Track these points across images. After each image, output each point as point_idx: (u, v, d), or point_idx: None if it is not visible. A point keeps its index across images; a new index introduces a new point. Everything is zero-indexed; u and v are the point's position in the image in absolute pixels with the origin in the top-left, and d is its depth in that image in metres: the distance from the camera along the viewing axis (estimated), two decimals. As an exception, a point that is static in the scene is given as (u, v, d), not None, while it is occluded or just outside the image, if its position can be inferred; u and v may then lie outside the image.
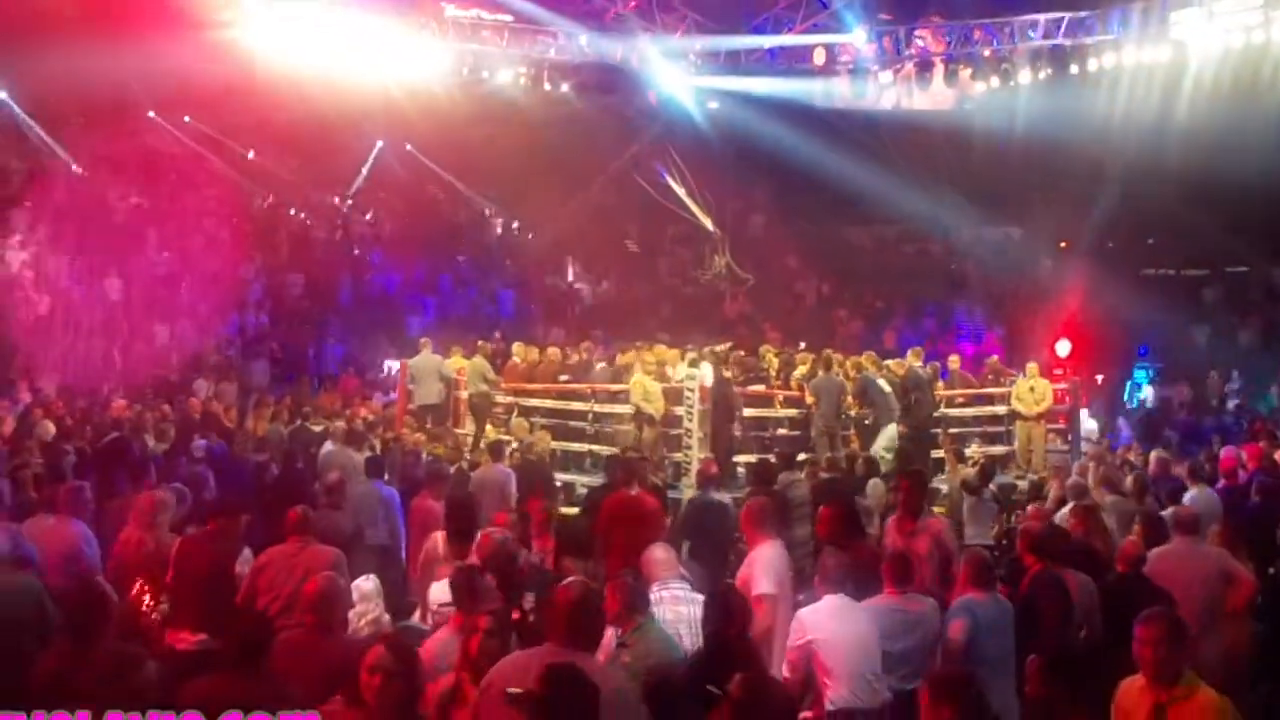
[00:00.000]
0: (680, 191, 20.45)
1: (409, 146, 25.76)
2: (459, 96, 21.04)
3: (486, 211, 26.88)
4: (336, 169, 25.65)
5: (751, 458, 13.60)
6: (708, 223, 21.31)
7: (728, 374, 13.84)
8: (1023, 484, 13.46)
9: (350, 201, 26.25)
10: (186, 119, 23.40)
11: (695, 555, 8.72)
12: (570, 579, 5.44)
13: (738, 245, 22.85)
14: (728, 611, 5.54)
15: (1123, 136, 19.17)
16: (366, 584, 6.68)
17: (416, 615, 7.70)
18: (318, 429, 13.74)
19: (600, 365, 15.43)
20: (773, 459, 11.79)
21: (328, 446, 12.22)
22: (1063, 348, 19.76)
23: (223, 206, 23.45)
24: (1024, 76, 19.51)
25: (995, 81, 19.78)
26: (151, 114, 23.09)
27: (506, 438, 13.21)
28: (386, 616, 6.80)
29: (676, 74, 20.84)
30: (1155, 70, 18.52)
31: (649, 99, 21.29)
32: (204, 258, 21.33)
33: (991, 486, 11.80)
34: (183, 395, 16.20)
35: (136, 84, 20.60)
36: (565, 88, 20.91)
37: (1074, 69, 19.14)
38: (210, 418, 14.09)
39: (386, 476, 10.61)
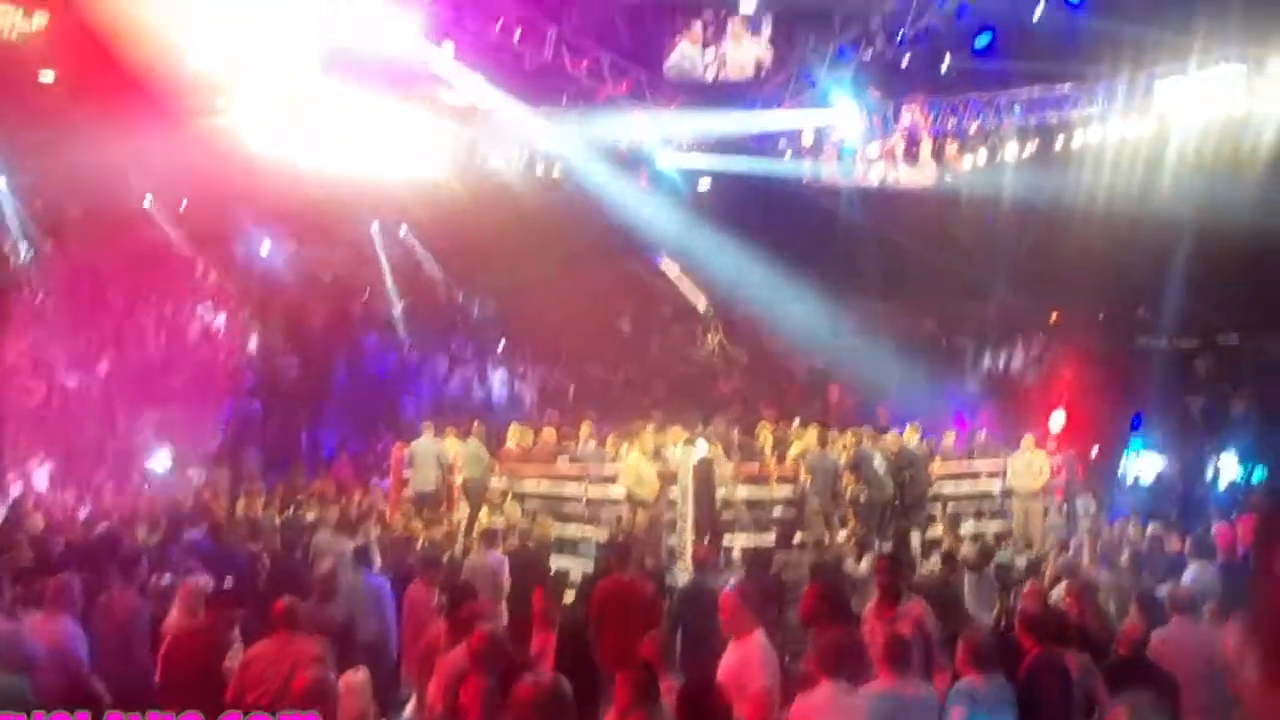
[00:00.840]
0: (672, 271, 20.56)
1: (404, 230, 25.94)
2: (453, 180, 21.23)
3: (475, 303, 26.91)
4: (333, 253, 25.76)
5: (748, 538, 13.53)
6: (700, 302, 21.40)
7: (711, 454, 13.77)
8: (1021, 561, 13.37)
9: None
10: (183, 204, 23.57)
11: (688, 644, 8.61)
12: (529, 676, 5.32)
13: (730, 323, 22.92)
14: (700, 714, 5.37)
15: (1108, 208, 19.29)
16: (355, 676, 6.58)
17: (409, 709, 7.59)
18: (310, 517, 13.67)
19: (590, 444, 15.40)
20: (770, 540, 11.75)
21: (320, 535, 12.12)
22: (1057, 421, 19.74)
23: (218, 291, 23.54)
24: (1010, 151, 19.75)
25: (983, 156, 20.03)
26: (148, 200, 23.27)
27: (500, 522, 13.13)
28: (375, 709, 6.69)
29: (668, 154, 21.06)
30: (1140, 143, 18.71)
31: (641, 180, 21.49)
32: (198, 343, 21.38)
33: (990, 565, 11.74)
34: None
35: (132, 170, 20.78)
36: (557, 171, 21.13)
37: (1059, 143, 19.37)
38: (201, 507, 14.01)
39: (377, 565, 10.52)
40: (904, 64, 18.77)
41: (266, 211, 22.41)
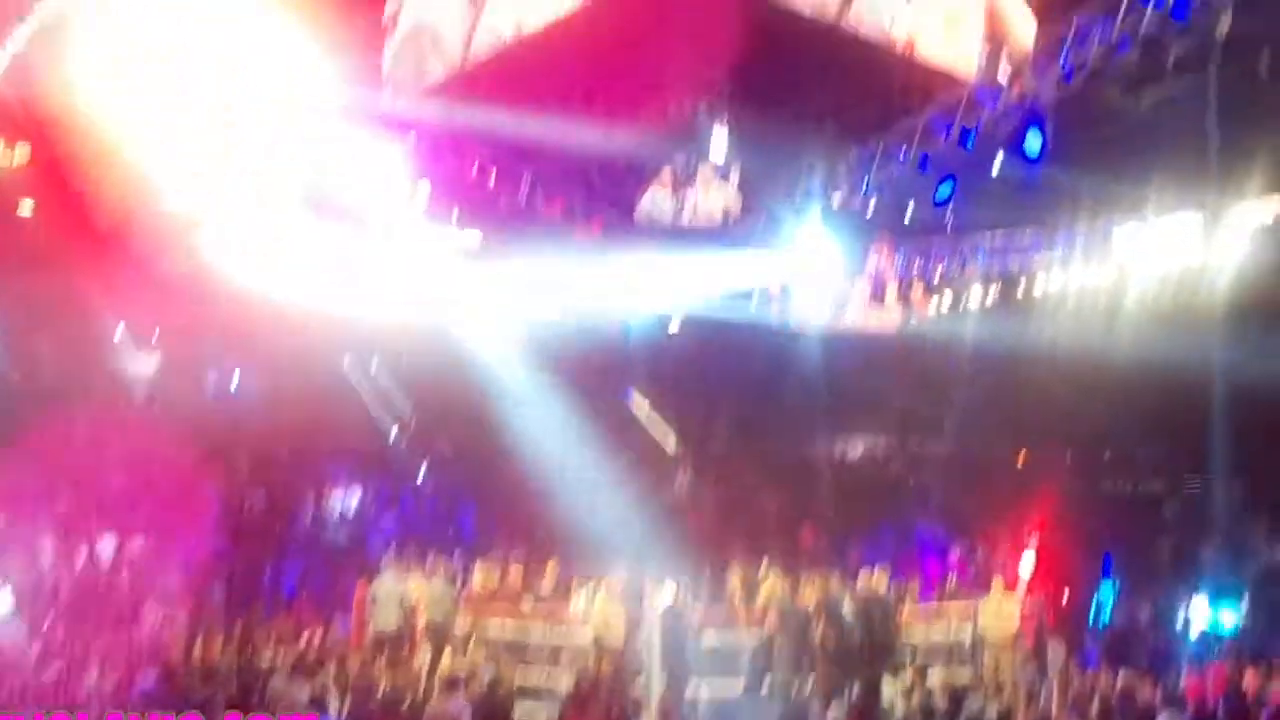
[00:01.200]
0: (642, 410, 20.61)
1: (375, 365, 25.95)
2: (427, 317, 21.28)
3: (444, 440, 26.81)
4: (303, 387, 25.69)
5: (715, 685, 13.34)
6: (669, 444, 21.40)
7: (679, 599, 13.67)
8: (992, 710, 13.19)
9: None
10: (153, 340, 23.53)
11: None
12: None
13: (699, 464, 22.90)
14: None
15: (1071, 353, 19.58)
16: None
17: None
18: (268, 658, 13.40)
19: (556, 585, 15.25)
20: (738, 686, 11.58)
21: (276, 679, 11.86)
22: (1026, 564, 19.71)
23: (185, 426, 23.35)
24: (975, 295, 20.14)
25: (948, 300, 20.41)
26: (118, 336, 23.24)
27: (462, 668, 12.90)
28: None
29: (639, 295, 21.26)
30: (1100, 289, 19.11)
31: (611, 325, 21.65)
32: (163, 476, 21.10)
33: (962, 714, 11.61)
34: (132, 622, 15.77)
35: (105, 303, 20.80)
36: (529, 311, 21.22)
37: (1021, 288, 19.78)
38: (159, 648, 13.70)
39: (334, 711, 10.30)
40: (869, 210, 19.21)
41: (237, 344, 22.40)
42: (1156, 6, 15.88)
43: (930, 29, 18.68)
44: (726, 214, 19.49)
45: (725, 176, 19.19)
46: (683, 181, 19.13)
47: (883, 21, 19.01)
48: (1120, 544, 21.12)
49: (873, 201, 19.09)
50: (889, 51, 18.70)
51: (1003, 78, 18.20)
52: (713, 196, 19.13)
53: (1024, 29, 19.83)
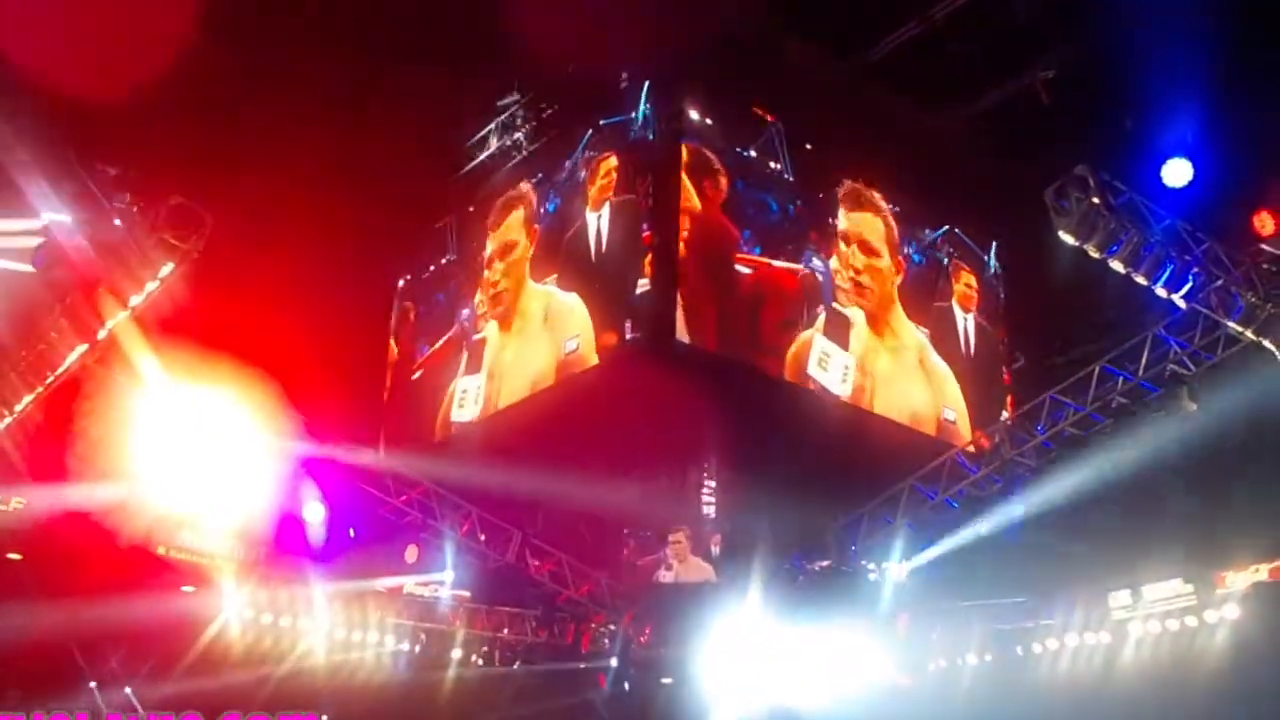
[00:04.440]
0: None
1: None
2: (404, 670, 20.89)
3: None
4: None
5: None
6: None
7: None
8: None
9: None
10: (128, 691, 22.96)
11: None
12: None
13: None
14: None
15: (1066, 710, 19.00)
16: None
17: None
18: None
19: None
20: None
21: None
22: None
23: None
24: (969, 659, 19.84)
25: (941, 663, 20.07)
26: (92, 685, 22.66)
27: None
28: None
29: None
30: (1096, 650, 18.84)
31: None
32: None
33: None
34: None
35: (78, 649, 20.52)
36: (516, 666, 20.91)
37: (1019, 650, 19.50)
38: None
39: None
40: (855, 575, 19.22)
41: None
42: (1127, 379, 16.36)
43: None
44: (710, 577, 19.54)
45: (711, 540, 19.40)
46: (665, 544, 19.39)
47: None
48: None
49: (861, 565, 19.11)
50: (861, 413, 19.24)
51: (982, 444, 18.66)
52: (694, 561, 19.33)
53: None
